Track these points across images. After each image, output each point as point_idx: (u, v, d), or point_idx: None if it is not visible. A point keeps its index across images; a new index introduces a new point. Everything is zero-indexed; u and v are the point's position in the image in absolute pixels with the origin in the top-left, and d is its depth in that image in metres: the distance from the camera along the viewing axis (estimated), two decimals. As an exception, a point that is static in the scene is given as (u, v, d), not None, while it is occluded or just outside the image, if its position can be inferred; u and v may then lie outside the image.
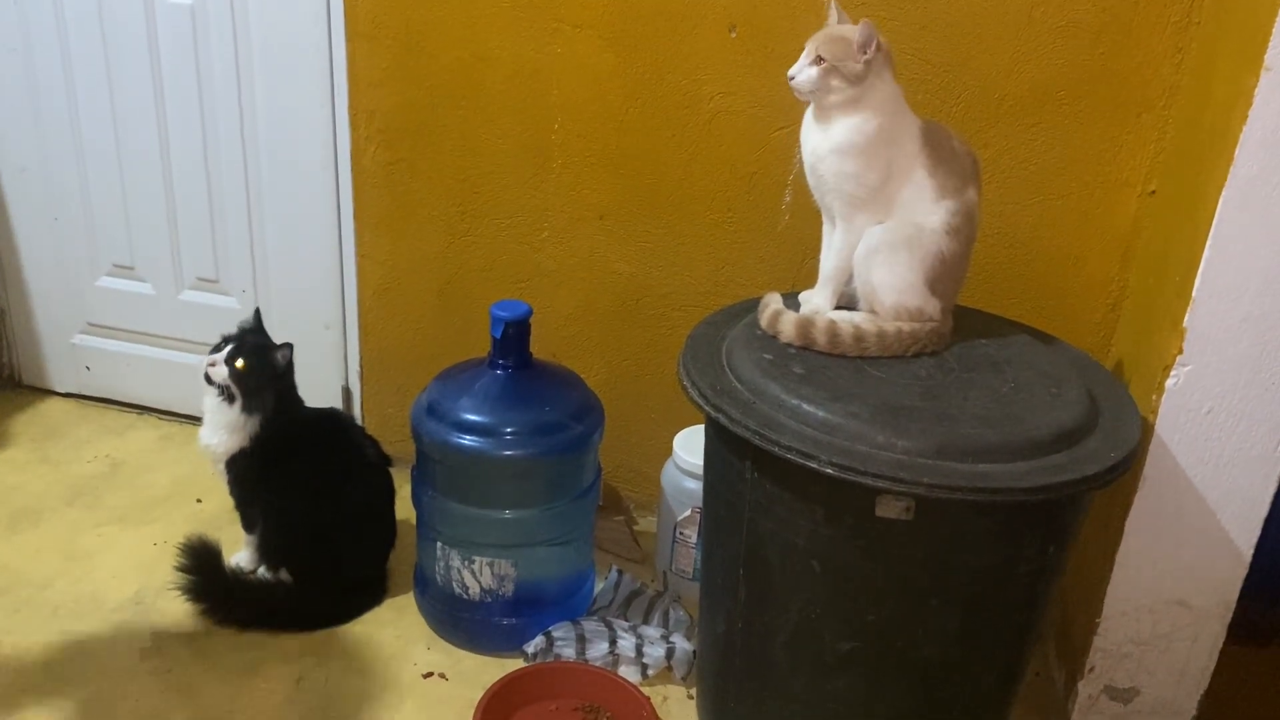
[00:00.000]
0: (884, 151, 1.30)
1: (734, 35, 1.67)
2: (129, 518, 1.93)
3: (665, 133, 1.75)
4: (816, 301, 1.39)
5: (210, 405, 1.65)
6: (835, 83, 1.28)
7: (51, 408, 2.28)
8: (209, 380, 1.62)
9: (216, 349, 1.63)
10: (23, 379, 2.34)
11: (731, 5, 1.65)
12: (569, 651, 1.60)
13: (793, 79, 1.30)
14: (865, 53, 1.27)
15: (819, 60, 1.28)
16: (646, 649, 1.61)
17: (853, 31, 1.28)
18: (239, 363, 1.60)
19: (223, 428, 1.64)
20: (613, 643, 1.61)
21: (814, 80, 1.28)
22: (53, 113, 2.06)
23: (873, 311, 1.34)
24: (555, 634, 1.62)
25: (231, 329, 1.68)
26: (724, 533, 1.34)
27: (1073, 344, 1.47)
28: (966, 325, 1.40)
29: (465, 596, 1.63)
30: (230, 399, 1.62)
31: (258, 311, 1.72)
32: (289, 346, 1.65)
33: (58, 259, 2.18)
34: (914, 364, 1.31)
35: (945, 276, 1.32)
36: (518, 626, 1.64)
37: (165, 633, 1.64)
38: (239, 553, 1.76)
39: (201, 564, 1.66)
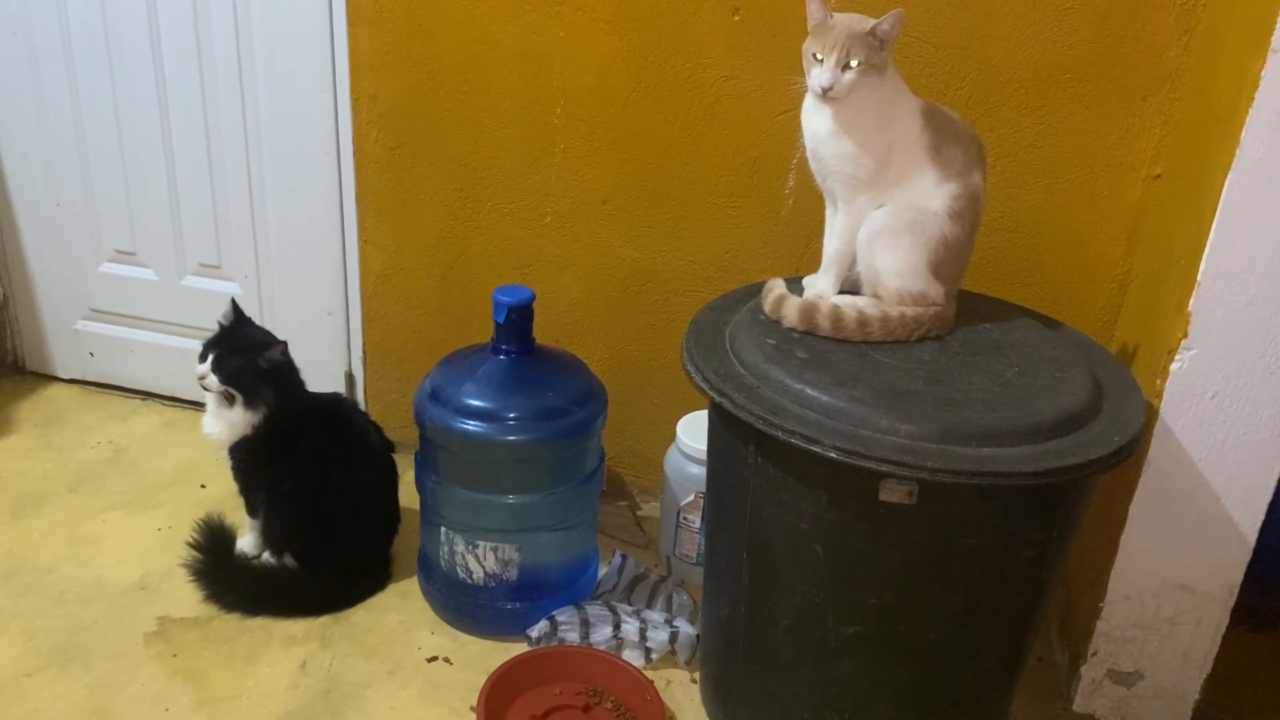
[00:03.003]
0: (883, 133, 1.29)
1: (737, 19, 1.66)
2: (133, 503, 1.93)
3: (668, 117, 1.74)
4: (820, 286, 1.39)
5: (211, 396, 1.65)
6: (867, 79, 1.25)
7: (55, 394, 2.29)
8: (206, 389, 1.62)
9: (202, 357, 1.61)
10: (26, 365, 2.34)
11: (735, -12, 1.64)
12: (573, 636, 1.61)
13: (829, 89, 1.25)
14: (886, 44, 1.25)
15: (848, 65, 1.24)
16: (650, 633, 1.61)
17: (859, 23, 1.26)
18: (223, 375, 1.59)
19: (224, 419, 1.64)
20: (616, 627, 1.61)
21: (853, 84, 1.25)
22: (54, 99, 2.05)
23: (876, 296, 1.34)
24: (559, 618, 1.62)
25: (213, 330, 1.65)
26: (728, 517, 1.34)
27: (1077, 328, 1.47)
28: (970, 309, 1.40)
29: (469, 581, 1.63)
30: (230, 401, 1.62)
31: (234, 302, 1.68)
32: (278, 345, 1.61)
33: (60, 245, 2.18)
34: (918, 348, 1.31)
35: (949, 260, 1.32)
36: (521, 611, 1.64)
37: (170, 617, 1.65)
38: (243, 538, 1.76)
39: (214, 545, 1.68)
